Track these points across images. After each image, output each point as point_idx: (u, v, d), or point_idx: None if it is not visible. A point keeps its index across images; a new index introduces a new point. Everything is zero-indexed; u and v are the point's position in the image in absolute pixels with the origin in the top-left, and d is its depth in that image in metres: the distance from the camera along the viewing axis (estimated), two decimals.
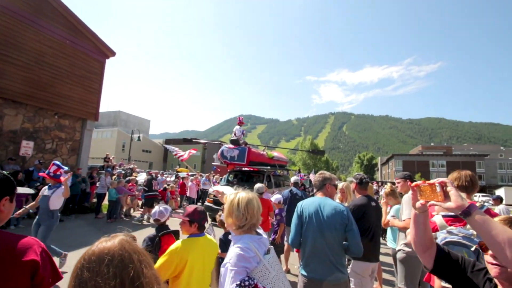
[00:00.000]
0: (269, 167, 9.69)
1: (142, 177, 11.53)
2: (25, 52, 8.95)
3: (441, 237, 1.56)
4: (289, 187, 9.56)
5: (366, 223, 2.94)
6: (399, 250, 3.13)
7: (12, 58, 8.65)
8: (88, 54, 10.92)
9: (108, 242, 0.86)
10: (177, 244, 2.00)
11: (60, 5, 9.94)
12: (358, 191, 3.20)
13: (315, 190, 2.66)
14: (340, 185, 4.07)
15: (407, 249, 3.03)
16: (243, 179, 9.83)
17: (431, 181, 1.07)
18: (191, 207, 2.24)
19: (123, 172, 13.37)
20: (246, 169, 10.57)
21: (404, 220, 3.00)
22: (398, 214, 3.48)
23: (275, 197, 5.35)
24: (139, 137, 22.31)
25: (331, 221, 2.29)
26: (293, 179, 5.66)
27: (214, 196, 8.76)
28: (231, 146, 9.11)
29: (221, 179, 14.07)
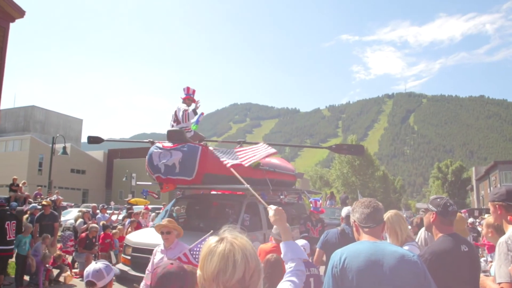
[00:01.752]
0: (247, 188, 7.24)
1: (71, 216, 11.61)
2: None
3: None
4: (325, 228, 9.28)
5: (453, 283, 2.91)
6: None
7: None
8: None
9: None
10: None
11: None
12: (438, 227, 3.17)
13: (359, 229, 2.65)
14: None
15: None
16: (200, 212, 9.16)
17: None
18: (161, 266, 2.37)
19: (40, 207, 13.40)
20: (214, 192, 9.84)
21: (499, 285, 2.89)
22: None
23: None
24: (64, 148, 22.44)
25: (399, 282, 2.28)
26: (345, 211, 5.67)
27: (135, 251, 7.63)
28: (167, 145, 7.88)
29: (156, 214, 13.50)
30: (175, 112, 8.35)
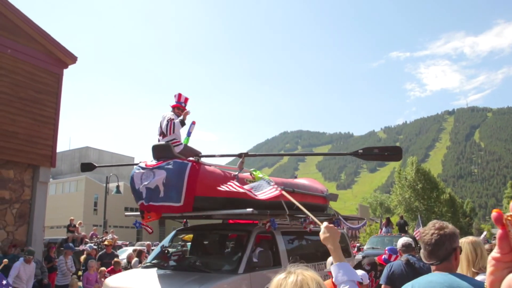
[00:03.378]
0: (254, 212, 6.23)
1: (126, 255, 11.86)
2: None
3: None
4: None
5: None
6: None
7: None
8: (37, 64, 12.10)
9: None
10: None
11: None
12: None
13: (427, 260, 2.54)
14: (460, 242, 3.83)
15: None
16: (199, 247, 8.15)
17: None
18: None
19: (95, 247, 13.92)
20: (229, 221, 8.38)
21: None
22: None
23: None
24: (117, 187, 23.34)
25: None
26: (400, 242, 5.68)
27: None
28: (150, 163, 6.57)
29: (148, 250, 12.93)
30: (160, 122, 7.07)
